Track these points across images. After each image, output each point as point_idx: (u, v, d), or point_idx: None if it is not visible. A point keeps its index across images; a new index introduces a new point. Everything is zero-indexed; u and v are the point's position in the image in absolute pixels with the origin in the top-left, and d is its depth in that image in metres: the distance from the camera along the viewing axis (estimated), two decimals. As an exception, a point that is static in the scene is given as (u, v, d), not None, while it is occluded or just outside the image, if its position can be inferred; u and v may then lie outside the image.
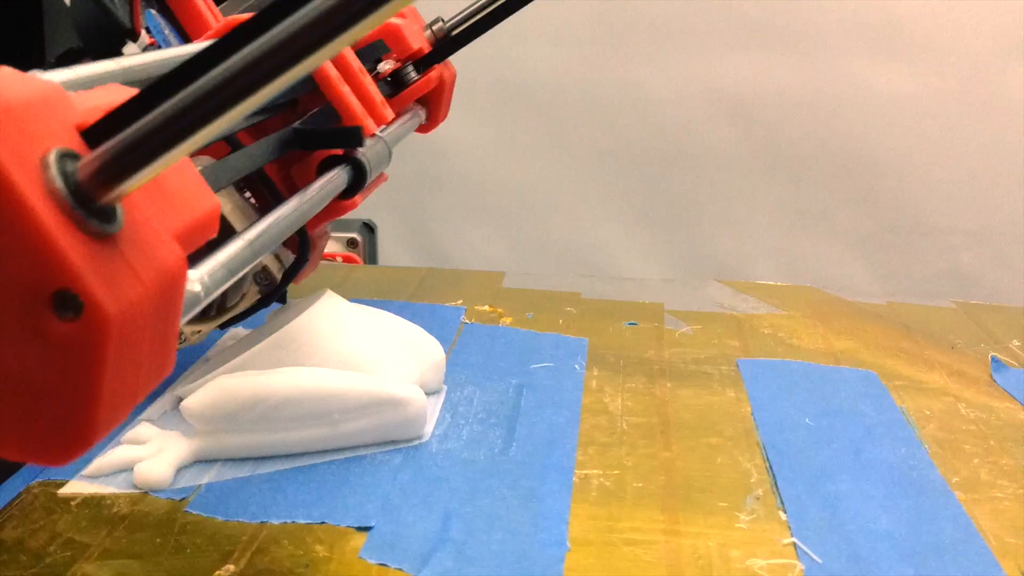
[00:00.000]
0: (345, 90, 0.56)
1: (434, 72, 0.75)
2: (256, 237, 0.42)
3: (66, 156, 0.25)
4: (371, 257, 1.49)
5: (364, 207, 1.37)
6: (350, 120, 0.56)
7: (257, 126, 0.57)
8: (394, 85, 0.73)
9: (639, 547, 0.49)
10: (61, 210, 0.25)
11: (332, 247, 1.24)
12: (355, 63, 0.58)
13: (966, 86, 1.38)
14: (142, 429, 0.57)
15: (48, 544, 0.47)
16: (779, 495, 0.54)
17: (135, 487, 0.53)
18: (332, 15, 0.24)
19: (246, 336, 0.68)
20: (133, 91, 0.28)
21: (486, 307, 0.83)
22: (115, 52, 0.53)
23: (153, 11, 0.57)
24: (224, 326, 0.60)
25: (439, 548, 0.48)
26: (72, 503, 0.51)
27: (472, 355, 0.72)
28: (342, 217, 1.26)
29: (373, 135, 0.58)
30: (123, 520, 0.49)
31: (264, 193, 0.56)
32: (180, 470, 0.54)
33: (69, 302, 0.25)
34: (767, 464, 0.57)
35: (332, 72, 0.56)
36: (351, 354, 0.60)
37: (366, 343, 0.62)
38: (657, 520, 0.51)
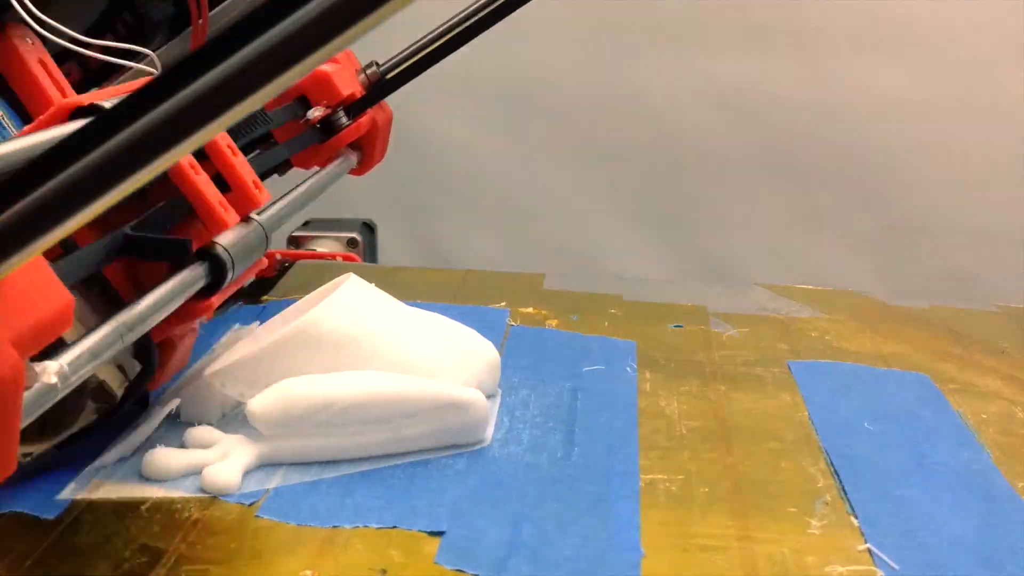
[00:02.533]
0: (200, 179, 0.50)
1: (366, 117, 0.75)
2: (140, 312, 0.41)
3: None
4: (371, 257, 1.49)
5: (364, 207, 1.37)
6: (204, 213, 0.51)
7: (100, 220, 0.47)
8: (324, 131, 0.73)
9: (714, 553, 0.48)
10: None
11: (332, 247, 1.23)
12: (223, 140, 0.53)
13: (966, 86, 1.38)
14: (206, 432, 0.57)
15: (123, 550, 0.47)
16: (848, 500, 0.53)
17: (203, 491, 0.52)
18: (199, 105, 0.22)
19: (272, 321, 0.68)
20: None
21: (530, 309, 0.83)
22: None
23: None
24: (61, 447, 0.53)
25: (514, 553, 0.48)
26: (142, 507, 0.51)
27: (522, 357, 0.72)
28: (342, 217, 1.25)
29: (246, 218, 0.53)
30: (195, 525, 0.49)
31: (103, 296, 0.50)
32: (246, 474, 0.54)
33: None
34: (831, 469, 0.57)
35: (183, 159, 0.50)
36: (411, 358, 0.60)
37: (424, 346, 0.61)
38: (728, 526, 0.51)
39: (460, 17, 0.73)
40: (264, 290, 0.87)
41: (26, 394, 0.34)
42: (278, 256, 1.00)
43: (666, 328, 0.80)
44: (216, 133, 0.24)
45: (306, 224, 1.12)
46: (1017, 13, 1.34)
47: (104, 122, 0.23)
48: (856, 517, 0.52)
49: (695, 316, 0.83)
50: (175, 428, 0.59)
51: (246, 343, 0.64)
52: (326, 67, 0.72)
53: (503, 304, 0.83)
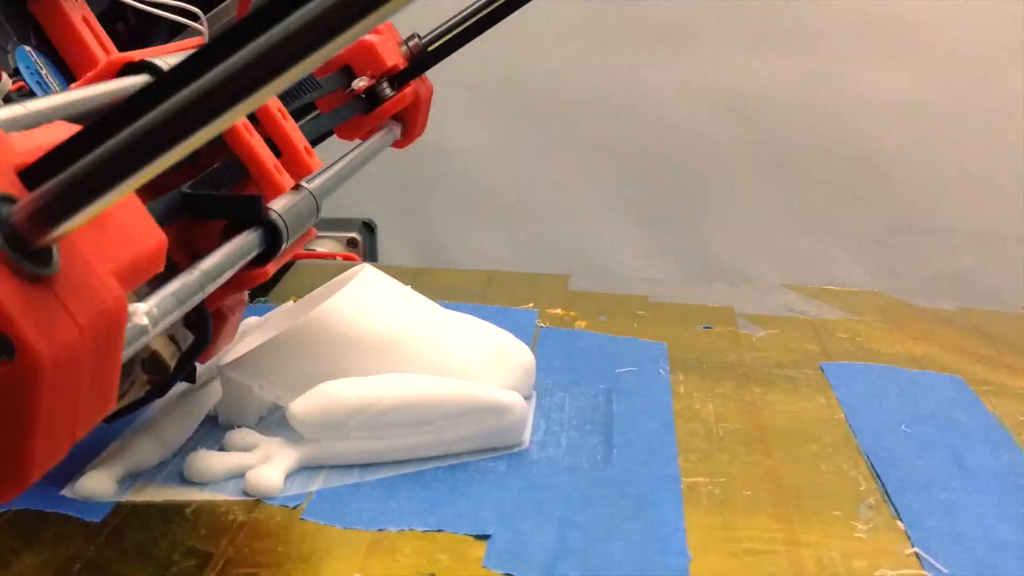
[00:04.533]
0: (254, 140, 0.49)
1: (409, 88, 0.74)
2: (208, 269, 0.40)
3: (2, 200, 0.25)
4: (371, 256, 1.49)
5: (364, 207, 1.36)
6: (260, 176, 0.49)
7: (151, 183, 0.48)
8: (369, 102, 0.73)
9: (761, 557, 0.48)
10: None
11: (332, 247, 1.23)
12: (274, 104, 0.52)
13: (966, 86, 1.38)
14: (246, 435, 0.57)
15: (171, 553, 0.47)
16: (892, 504, 0.53)
17: (247, 494, 0.52)
18: (284, 47, 0.23)
19: (287, 310, 0.67)
20: (75, 129, 0.27)
21: (558, 311, 0.83)
22: None
23: (28, 48, 0.52)
24: (110, 419, 0.52)
25: (561, 557, 0.48)
26: (187, 510, 0.51)
27: (554, 359, 0.72)
28: (342, 217, 1.24)
29: (296, 186, 0.51)
30: (242, 528, 0.49)
31: None
32: (288, 476, 0.54)
33: (2, 345, 0.25)
34: (873, 472, 0.57)
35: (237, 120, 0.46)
36: (447, 359, 0.60)
37: (459, 348, 0.61)
38: (774, 529, 0.51)
39: None
40: (264, 290, 0.87)
41: None
42: None
43: (695, 330, 0.80)
44: (273, 94, 0.24)
45: (306, 224, 1.12)
46: (1017, 13, 1.34)
47: (165, 81, 0.24)
48: (901, 520, 0.52)
49: (723, 317, 0.83)
50: (214, 431, 0.59)
51: (260, 333, 0.63)
52: (370, 37, 0.71)
53: (531, 305, 0.83)
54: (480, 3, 0.73)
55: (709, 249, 1.50)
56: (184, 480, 0.53)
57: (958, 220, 1.43)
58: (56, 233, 0.25)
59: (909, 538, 0.50)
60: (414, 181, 1.50)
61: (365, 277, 0.62)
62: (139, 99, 0.24)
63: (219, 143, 0.48)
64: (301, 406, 0.55)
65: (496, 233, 1.54)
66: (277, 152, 0.51)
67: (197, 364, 0.55)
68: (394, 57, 0.73)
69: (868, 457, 0.58)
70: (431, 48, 0.75)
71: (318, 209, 0.53)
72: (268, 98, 0.24)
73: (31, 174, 0.26)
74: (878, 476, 0.56)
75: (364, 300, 0.60)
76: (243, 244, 0.45)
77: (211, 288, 0.42)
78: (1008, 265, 1.41)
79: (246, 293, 0.54)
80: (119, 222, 0.31)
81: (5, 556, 0.46)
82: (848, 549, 0.49)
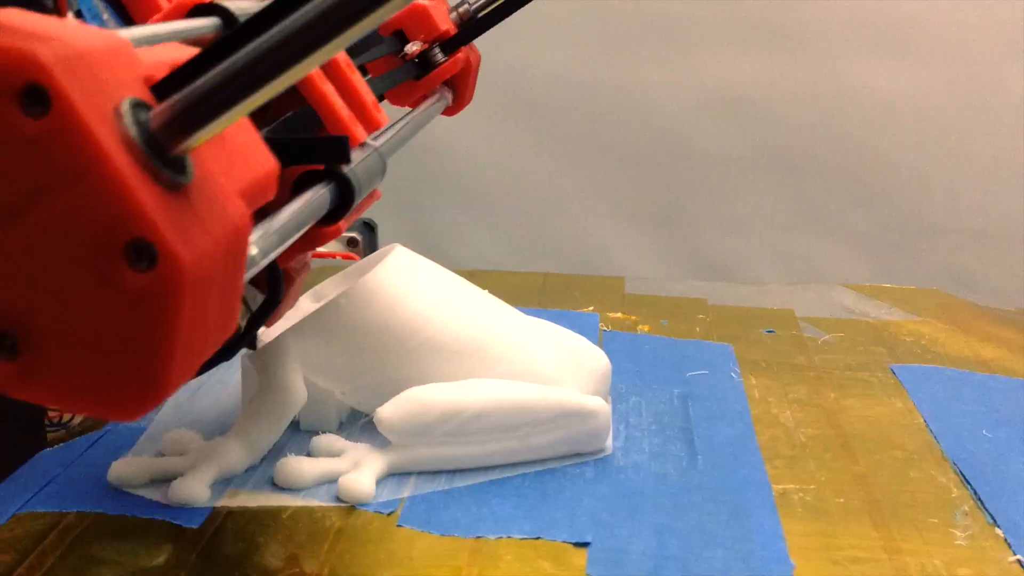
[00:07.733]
0: (328, 89, 0.46)
1: (460, 54, 0.73)
2: (285, 223, 0.38)
3: (138, 106, 0.25)
4: None
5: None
6: (334, 127, 0.46)
7: None
8: (421, 67, 0.71)
9: (865, 565, 0.48)
10: (135, 159, 0.24)
11: (332, 246, 1.23)
12: (343, 57, 0.48)
13: (966, 86, 1.38)
14: (332, 440, 0.57)
15: (274, 559, 0.47)
16: (986, 510, 0.53)
17: (339, 500, 0.52)
18: None
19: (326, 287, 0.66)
20: (193, 50, 0.28)
21: (619, 314, 0.83)
22: None
23: None
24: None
25: (664, 565, 0.47)
26: (283, 516, 0.51)
27: (623, 363, 0.71)
28: None
29: (363, 144, 0.48)
30: (340, 534, 0.49)
31: None
32: (378, 482, 0.54)
33: (143, 252, 0.24)
34: (962, 478, 0.56)
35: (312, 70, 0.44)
36: (532, 365, 0.59)
37: (542, 353, 0.61)
38: (872, 537, 0.50)
39: None
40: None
41: None
42: None
43: (759, 333, 0.79)
44: (352, 40, 0.24)
45: (306, 223, 1.12)
46: (1017, 13, 1.34)
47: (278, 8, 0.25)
48: (999, 527, 0.51)
49: (784, 320, 0.82)
50: (296, 436, 0.59)
51: (291, 313, 0.62)
52: (423, 0, 0.71)
53: (591, 309, 0.83)
54: None
55: (710, 247, 1.50)
56: (275, 486, 0.53)
57: (958, 220, 1.43)
58: (190, 142, 0.25)
59: (1009, 545, 0.50)
60: (414, 181, 1.50)
61: (399, 257, 0.61)
62: (256, 22, 0.25)
63: (290, 91, 0.44)
64: (390, 411, 0.55)
65: (497, 232, 1.54)
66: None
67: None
68: (445, 22, 0.73)
69: (955, 463, 0.58)
70: (480, 15, 0.75)
71: (383, 169, 0.50)
72: (367, 29, 0.24)
73: (162, 86, 0.26)
74: (968, 482, 0.56)
75: (435, 298, 0.59)
76: (316, 198, 0.43)
77: (288, 243, 0.40)
78: (1008, 265, 1.41)
79: (309, 255, 0.52)
80: (238, 144, 0.31)
81: (109, 563, 0.46)
82: (950, 557, 0.49)
